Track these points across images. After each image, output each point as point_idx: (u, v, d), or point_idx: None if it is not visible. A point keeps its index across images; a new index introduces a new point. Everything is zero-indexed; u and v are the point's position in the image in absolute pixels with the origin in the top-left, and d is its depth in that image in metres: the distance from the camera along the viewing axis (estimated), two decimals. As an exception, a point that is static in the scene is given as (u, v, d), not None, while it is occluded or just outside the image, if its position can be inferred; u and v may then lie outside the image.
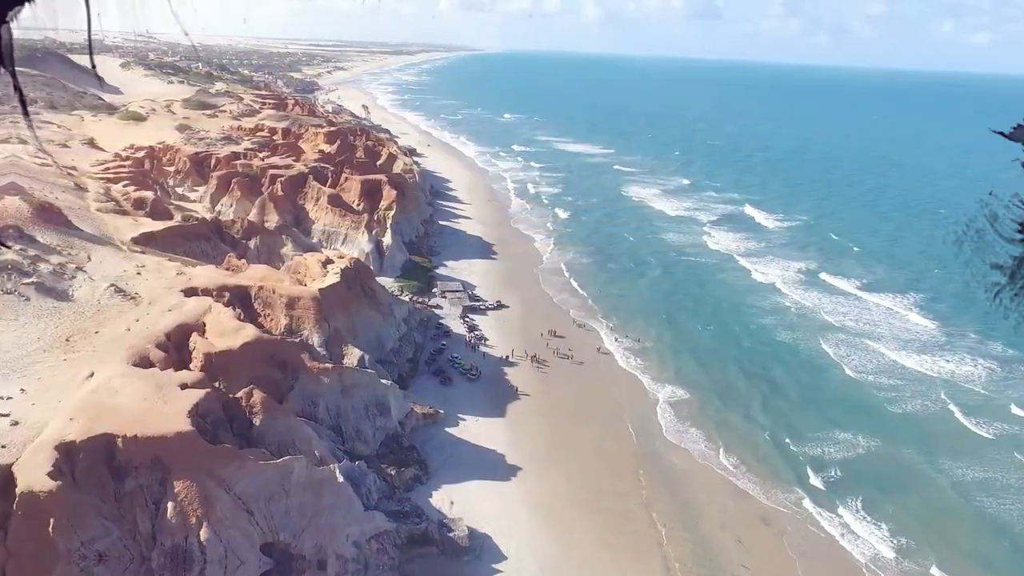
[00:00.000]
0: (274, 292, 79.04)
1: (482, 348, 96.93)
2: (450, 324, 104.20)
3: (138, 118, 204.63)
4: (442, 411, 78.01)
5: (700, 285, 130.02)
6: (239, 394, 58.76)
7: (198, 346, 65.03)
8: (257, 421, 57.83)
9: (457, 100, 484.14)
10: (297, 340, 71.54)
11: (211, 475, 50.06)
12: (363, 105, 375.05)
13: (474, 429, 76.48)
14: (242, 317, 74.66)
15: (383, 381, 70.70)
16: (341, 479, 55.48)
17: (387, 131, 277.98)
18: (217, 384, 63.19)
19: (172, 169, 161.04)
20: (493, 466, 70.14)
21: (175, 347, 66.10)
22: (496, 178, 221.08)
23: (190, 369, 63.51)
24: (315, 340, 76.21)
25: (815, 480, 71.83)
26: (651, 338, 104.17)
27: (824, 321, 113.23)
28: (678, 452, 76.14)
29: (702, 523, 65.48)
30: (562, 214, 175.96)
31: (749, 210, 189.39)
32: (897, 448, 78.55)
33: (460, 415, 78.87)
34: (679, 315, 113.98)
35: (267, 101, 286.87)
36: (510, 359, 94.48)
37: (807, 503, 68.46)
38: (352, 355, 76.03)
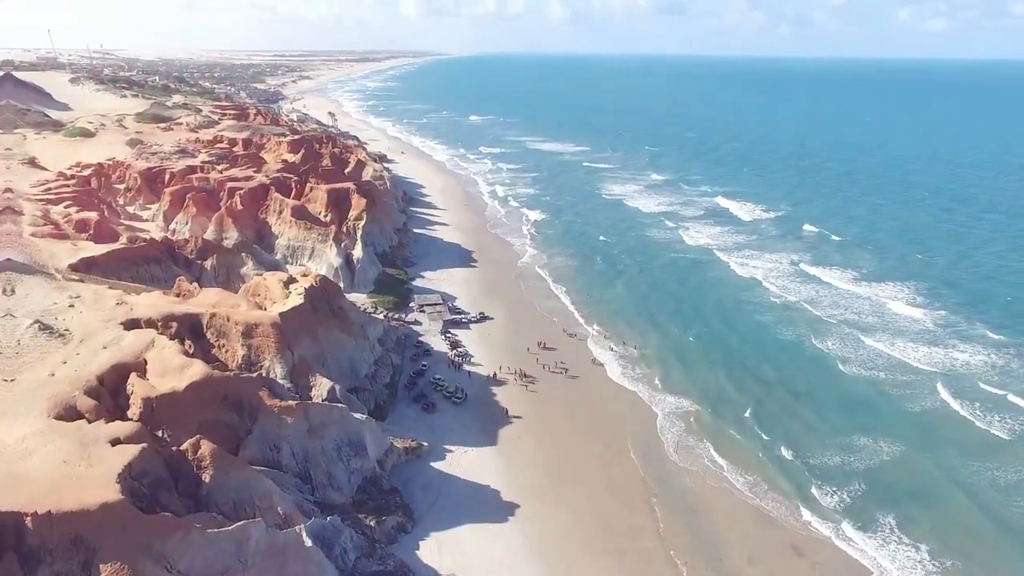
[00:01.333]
0: (228, 319, 69.83)
1: (467, 367, 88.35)
2: (430, 341, 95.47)
3: (86, 134, 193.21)
4: (426, 443, 69.35)
5: (681, 283, 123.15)
6: (184, 446, 49.66)
7: (136, 389, 55.85)
8: (207, 477, 48.82)
9: (424, 104, 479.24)
10: (255, 374, 62.53)
11: (148, 552, 41.08)
12: (329, 112, 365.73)
13: (463, 462, 67.94)
14: (192, 350, 65.67)
15: (357, 415, 61.91)
16: (309, 542, 46.72)
17: (355, 138, 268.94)
18: (160, 433, 54.28)
19: (122, 187, 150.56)
20: (487, 505, 61.68)
21: (110, 392, 56.84)
22: (469, 181, 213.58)
23: (128, 417, 54.44)
24: (277, 372, 67.22)
25: (841, 496, 64.55)
26: (642, 344, 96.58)
27: (815, 316, 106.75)
28: (689, 473, 68.36)
29: (727, 558, 57.61)
30: (539, 216, 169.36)
31: (723, 202, 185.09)
32: (919, 454, 71.49)
33: (446, 446, 70.27)
34: (666, 317, 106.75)
35: (227, 112, 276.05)
36: (498, 377, 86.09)
37: (836, 525, 61.07)
38: (321, 386, 67.15)
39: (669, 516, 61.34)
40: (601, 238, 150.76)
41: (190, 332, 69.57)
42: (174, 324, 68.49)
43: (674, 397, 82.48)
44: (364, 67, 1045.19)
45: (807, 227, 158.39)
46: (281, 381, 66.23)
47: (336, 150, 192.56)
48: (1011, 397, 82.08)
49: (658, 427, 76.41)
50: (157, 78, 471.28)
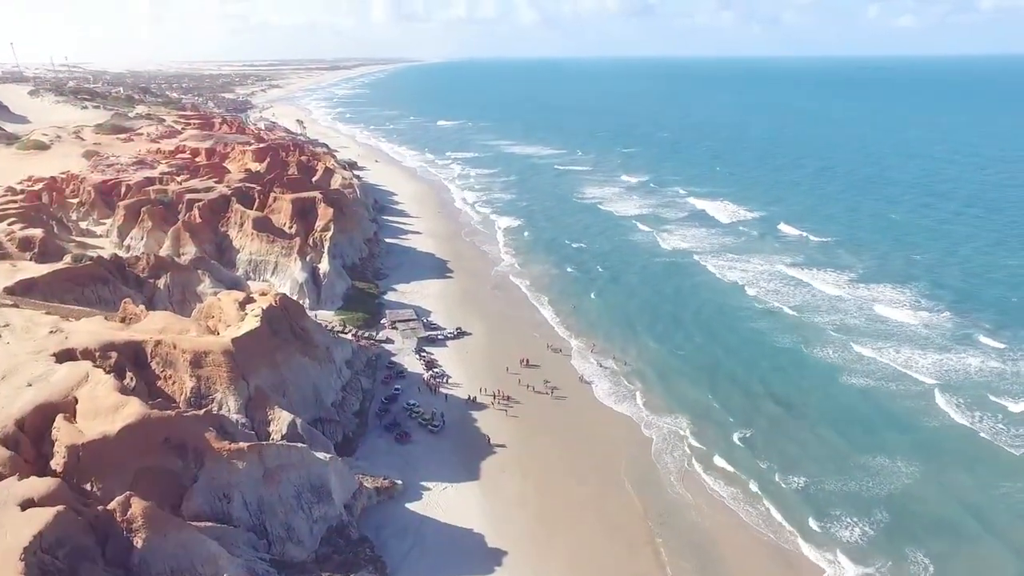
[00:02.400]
0: (175, 347, 62.40)
1: (443, 389, 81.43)
2: (404, 361, 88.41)
3: (40, 147, 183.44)
4: (400, 480, 62.33)
5: (662, 290, 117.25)
6: (112, 505, 42.28)
7: (62, 435, 48.31)
8: (139, 541, 41.49)
9: (393, 110, 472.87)
10: (204, 410, 55.10)
11: (59, 646, 33.79)
12: (298, 120, 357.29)
13: (442, 501, 60.96)
14: (134, 384, 58.19)
15: (319, 455, 54.69)
16: (261, 618, 39.60)
17: (324, 145, 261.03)
18: (90, 486, 46.81)
19: (76, 201, 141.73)
20: (470, 553, 54.76)
21: (32, 438, 49.37)
22: (441, 187, 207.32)
23: (51, 468, 46.94)
24: (231, 405, 59.94)
25: (863, 529, 58.22)
26: (631, 358, 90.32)
27: (803, 322, 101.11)
28: (693, 507, 61.87)
29: (747, 610, 51.14)
30: (513, 222, 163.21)
31: (699, 204, 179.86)
32: (941, 477, 65.31)
33: (423, 483, 63.26)
34: (651, 327, 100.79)
35: (191, 121, 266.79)
36: (478, 400, 79.23)
37: (866, 566, 54.22)
38: (280, 420, 59.93)
39: (677, 560, 54.80)
40: (576, 244, 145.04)
41: (133, 362, 62.12)
42: (114, 354, 60.97)
43: (669, 418, 76.21)
44: (334, 75, 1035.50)
45: (786, 228, 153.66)
46: (235, 416, 59.00)
47: (303, 158, 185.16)
48: (1015, 408, 76.33)
49: (654, 453, 70.09)
50: (121, 89, 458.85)
